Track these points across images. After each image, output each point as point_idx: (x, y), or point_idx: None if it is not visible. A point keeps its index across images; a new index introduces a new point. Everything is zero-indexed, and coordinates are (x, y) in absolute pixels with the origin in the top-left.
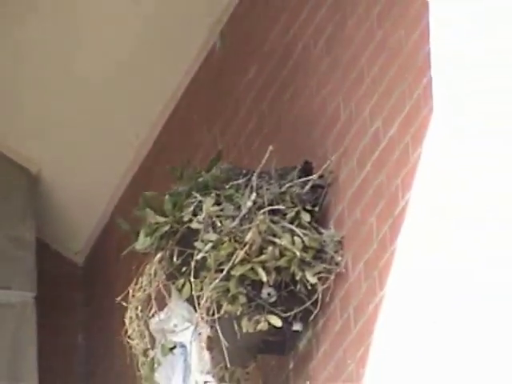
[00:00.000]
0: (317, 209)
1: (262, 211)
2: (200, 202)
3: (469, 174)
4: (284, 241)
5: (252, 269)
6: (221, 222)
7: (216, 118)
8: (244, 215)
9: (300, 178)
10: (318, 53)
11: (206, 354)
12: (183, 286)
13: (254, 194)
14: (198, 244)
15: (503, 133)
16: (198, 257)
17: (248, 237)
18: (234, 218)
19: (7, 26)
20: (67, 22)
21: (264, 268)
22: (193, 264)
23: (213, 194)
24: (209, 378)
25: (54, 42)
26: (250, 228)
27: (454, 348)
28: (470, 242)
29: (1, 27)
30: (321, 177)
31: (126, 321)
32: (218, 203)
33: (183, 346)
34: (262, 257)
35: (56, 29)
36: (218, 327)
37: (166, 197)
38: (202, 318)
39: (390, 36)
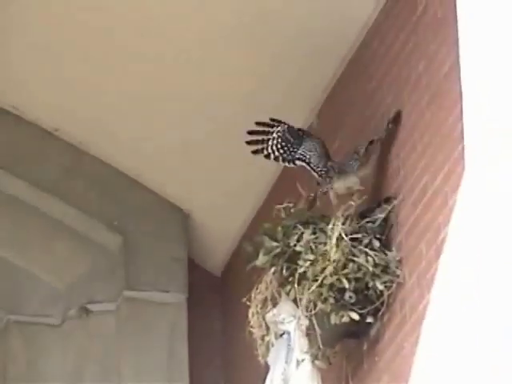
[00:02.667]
0: (384, 237)
1: (344, 239)
2: (302, 232)
3: (495, 216)
4: (361, 259)
5: (338, 279)
6: (316, 246)
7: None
8: (333, 242)
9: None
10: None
11: (305, 339)
12: (290, 290)
13: (339, 229)
14: (300, 262)
15: None
16: (301, 270)
17: (335, 257)
18: (325, 244)
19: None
20: None
21: (347, 278)
22: (296, 276)
23: (311, 227)
24: (306, 356)
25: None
26: (337, 251)
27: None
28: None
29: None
30: (387, 216)
31: (250, 315)
32: (314, 233)
33: (288, 333)
34: (345, 270)
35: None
36: (314, 320)
37: (279, 228)
38: (303, 314)
39: (435, 116)
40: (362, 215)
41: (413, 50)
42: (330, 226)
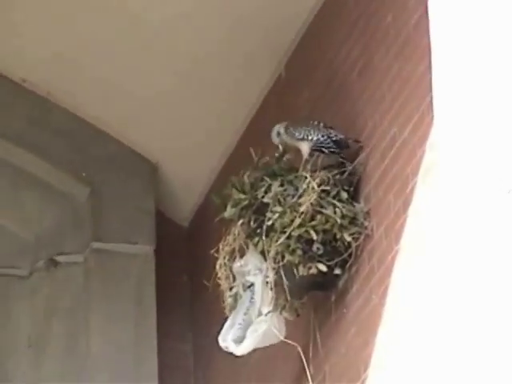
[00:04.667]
0: (351, 189)
1: (313, 191)
2: (270, 184)
3: (461, 161)
4: (328, 211)
5: (306, 231)
6: (284, 198)
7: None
8: (300, 194)
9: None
10: (354, 79)
11: (271, 292)
12: (258, 242)
13: (307, 181)
14: (268, 214)
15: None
16: (269, 223)
17: (303, 208)
18: (293, 196)
19: None
20: None
21: (314, 230)
22: (264, 227)
23: (279, 179)
24: (271, 307)
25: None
26: (304, 202)
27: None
28: (460, 214)
29: None
30: (354, 167)
31: (217, 267)
32: (282, 185)
33: (253, 285)
34: (313, 222)
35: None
36: (281, 272)
37: (246, 180)
38: (271, 265)
39: (404, 67)
40: (330, 167)
41: (381, 1)
42: (298, 178)
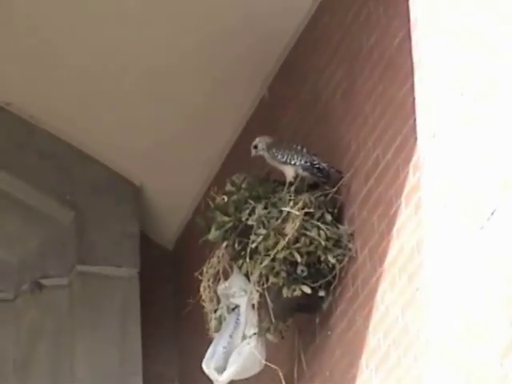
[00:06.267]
0: (335, 211)
1: (297, 213)
2: (254, 207)
3: (443, 184)
4: (313, 233)
5: (290, 253)
6: (268, 221)
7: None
8: (284, 217)
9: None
10: (337, 101)
11: (255, 314)
12: (242, 264)
13: (291, 204)
14: (252, 236)
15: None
16: (253, 245)
17: (287, 231)
18: (277, 218)
19: None
20: None
21: (298, 252)
22: (248, 250)
23: (263, 202)
24: (256, 329)
25: None
26: (288, 225)
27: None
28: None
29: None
30: (338, 189)
31: (201, 289)
32: (266, 208)
33: (238, 307)
34: (297, 244)
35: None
36: (266, 294)
37: (230, 203)
38: (255, 288)
39: (387, 89)
40: (313, 188)
41: (364, 23)
42: (282, 201)
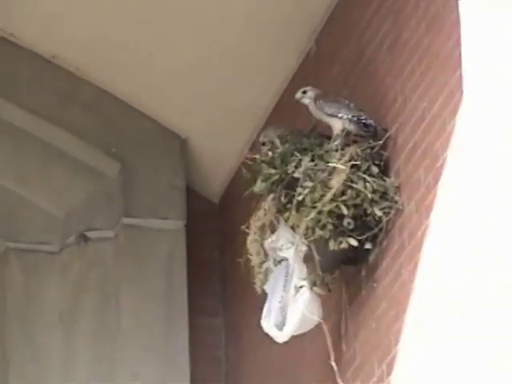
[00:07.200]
0: (382, 163)
1: (343, 168)
2: (300, 159)
3: (493, 141)
4: (359, 186)
5: (337, 206)
6: (315, 173)
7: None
8: (331, 170)
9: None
10: (383, 54)
11: (303, 266)
12: (288, 217)
13: (338, 156)
14: (298, 189)
15: None
16: (299, 198)
17: (333, 183)
18: (323, 171)
19: None
20: None
21: (345, 205)
22: (294, 202)
23: (309, 154)
24: (304, 282)
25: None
26: (335, 177)
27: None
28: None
29: None
30: (384, 143)
31: (248, 242)
32: (312, 160)
33: (287, 260)
34: (344, 197)
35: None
36: (312, 246)
37: (277, 155)
38: (301, 240)
39: (433, 42)
40: (360, 137)
41: None
42: (329, 153)
